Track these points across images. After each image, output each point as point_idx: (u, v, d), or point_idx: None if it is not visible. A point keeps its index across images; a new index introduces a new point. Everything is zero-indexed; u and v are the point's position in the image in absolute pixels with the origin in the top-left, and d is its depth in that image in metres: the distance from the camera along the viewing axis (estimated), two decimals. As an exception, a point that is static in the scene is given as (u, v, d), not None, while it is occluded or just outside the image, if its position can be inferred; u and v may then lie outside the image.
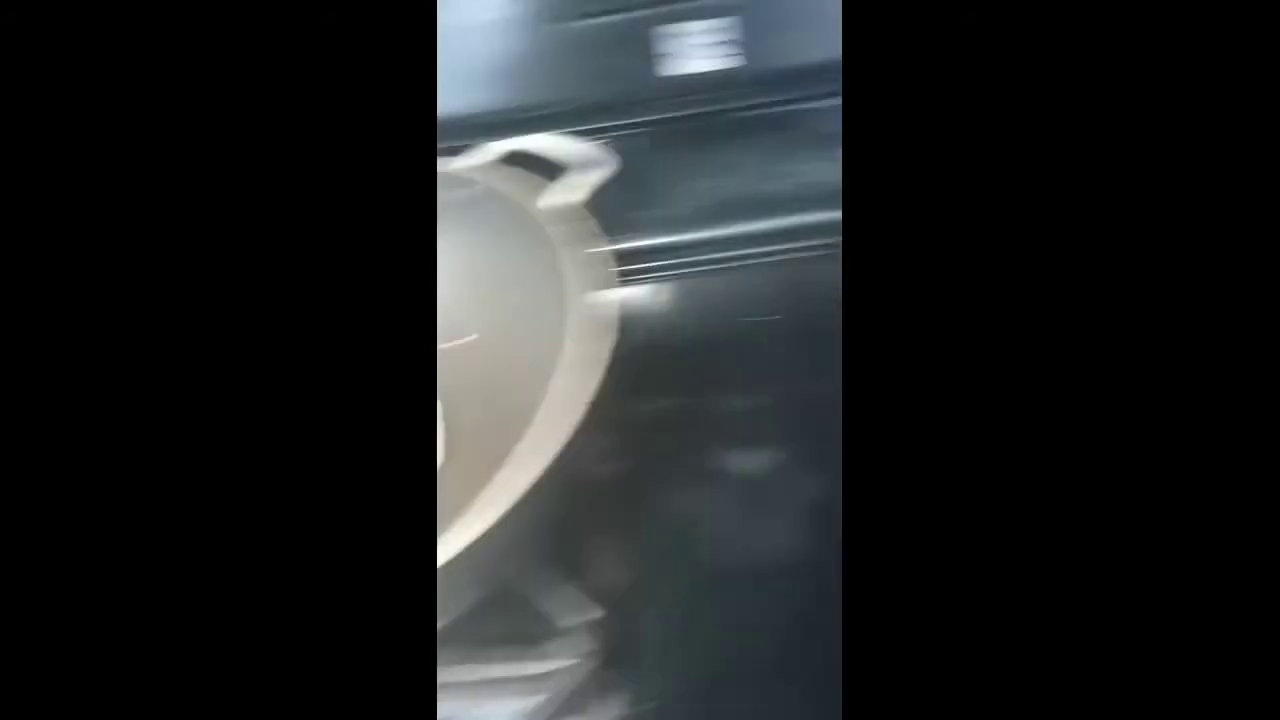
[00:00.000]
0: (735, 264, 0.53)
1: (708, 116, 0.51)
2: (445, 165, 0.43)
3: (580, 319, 0.34)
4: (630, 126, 0.48)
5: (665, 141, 0.51)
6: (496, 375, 0.43)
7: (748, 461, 0.43)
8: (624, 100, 0.48)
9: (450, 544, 0.27)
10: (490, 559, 0.29)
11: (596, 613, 0.34)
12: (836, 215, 0.23)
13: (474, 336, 0.47)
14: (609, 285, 0.35)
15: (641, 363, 0.35)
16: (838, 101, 0.19)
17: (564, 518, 0.33)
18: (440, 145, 0.43)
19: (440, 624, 0.31)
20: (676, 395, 0.43)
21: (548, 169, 0.42)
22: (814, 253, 0.44)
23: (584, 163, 0.42)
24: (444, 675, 0.34)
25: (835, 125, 0.20)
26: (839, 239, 0.18)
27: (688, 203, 0.55)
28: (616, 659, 0.34)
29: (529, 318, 0.41)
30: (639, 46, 0.46)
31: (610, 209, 0.39)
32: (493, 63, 0.46)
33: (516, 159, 0.44)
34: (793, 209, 0.46)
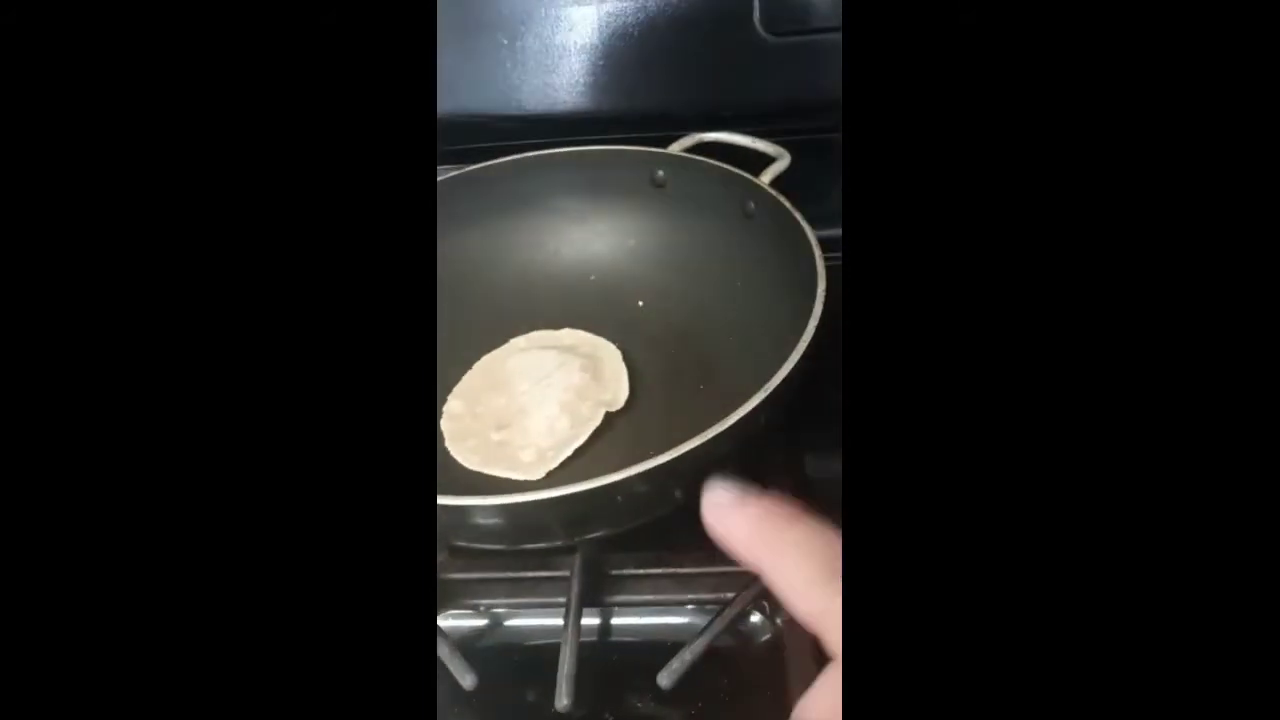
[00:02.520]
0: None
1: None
2: (663, 149, 0.51)
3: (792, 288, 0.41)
4: (794, 131, 0.55)
5: (815, 145, 0.59)
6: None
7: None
8: (794, 108, 0.55)
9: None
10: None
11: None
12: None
13: (640, 303, 0.54)
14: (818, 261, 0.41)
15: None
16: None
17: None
18: (658, 134, 0.52)
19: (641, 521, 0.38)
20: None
21: (736, 157, 0.50)
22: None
23: (769, 156, 0.49)
24: (644, 568, 0.41)
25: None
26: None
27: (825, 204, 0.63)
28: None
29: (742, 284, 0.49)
30: (807, 63, 0.54)
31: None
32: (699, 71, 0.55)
33: (713, 147, 0.52)
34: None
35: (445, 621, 0.41)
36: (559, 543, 0.37)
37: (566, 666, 0.35)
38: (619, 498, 0.34)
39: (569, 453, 0.43)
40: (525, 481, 0.43)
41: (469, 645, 0.41)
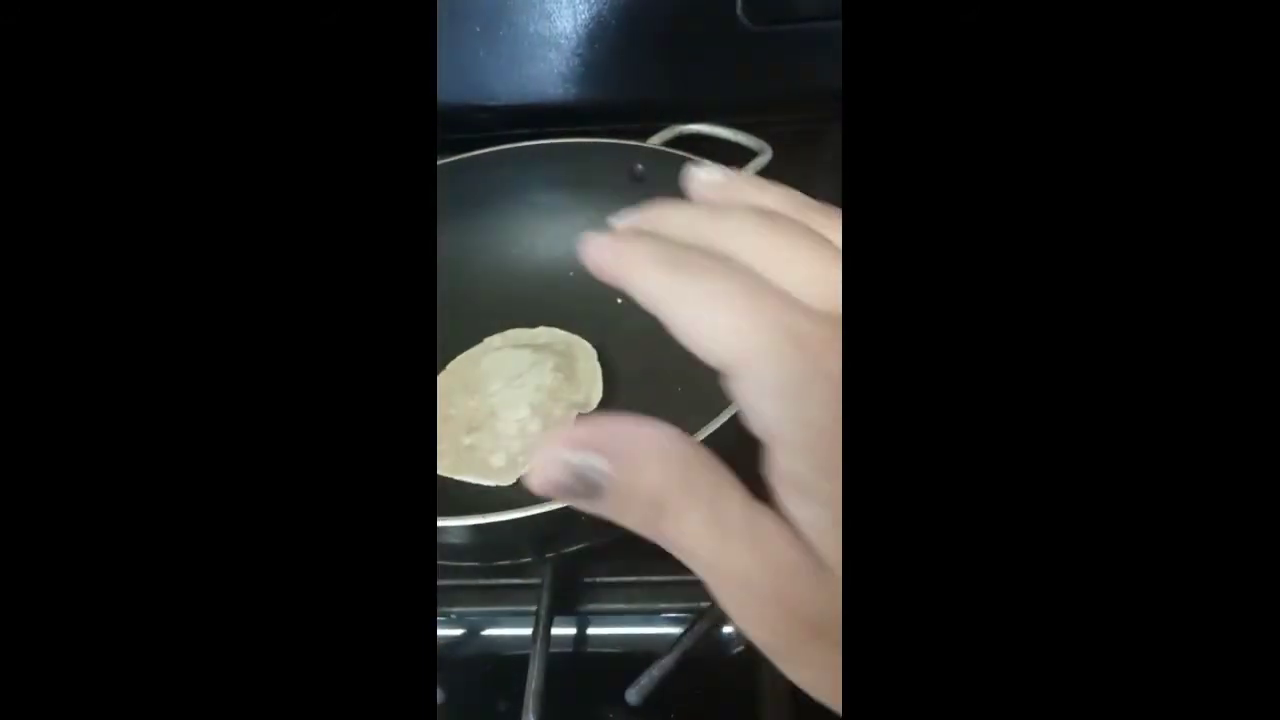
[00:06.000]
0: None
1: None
2: (643, 142, 0.50)
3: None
4: (777, 123, 0.54)
5: (800, 139, 0.57)
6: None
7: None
8: (778, 100, 0.54)
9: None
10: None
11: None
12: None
13: (619, 300, 0.53)
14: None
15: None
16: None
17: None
18: (637, 126, 0.50)
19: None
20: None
21: (716, 150, 0.48)
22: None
23: (751, 150, 0.48)
24: (618, 576, 0.41)
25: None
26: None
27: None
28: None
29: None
30: (791, 53, 0.52)
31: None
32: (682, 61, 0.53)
33: (693, 140, 0.50)
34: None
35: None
36: (530, 559, 0.37)
37: (534, 683, 0.34)
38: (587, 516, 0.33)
39: (541, 458, 0.42)
40: (496, 489, 0.42)
41: (445, 655, 0.40)
